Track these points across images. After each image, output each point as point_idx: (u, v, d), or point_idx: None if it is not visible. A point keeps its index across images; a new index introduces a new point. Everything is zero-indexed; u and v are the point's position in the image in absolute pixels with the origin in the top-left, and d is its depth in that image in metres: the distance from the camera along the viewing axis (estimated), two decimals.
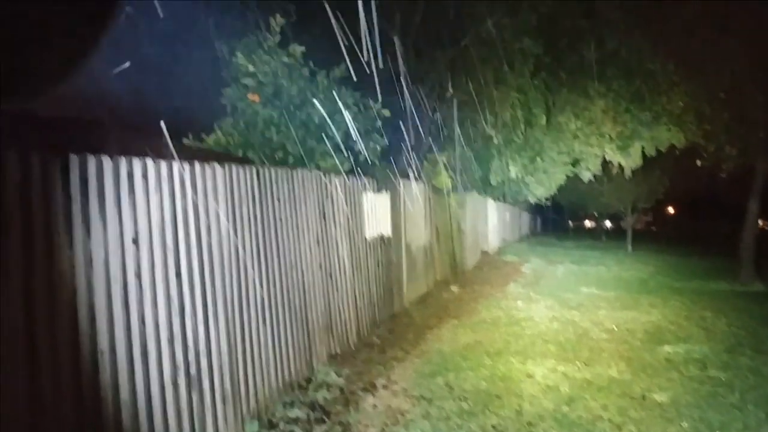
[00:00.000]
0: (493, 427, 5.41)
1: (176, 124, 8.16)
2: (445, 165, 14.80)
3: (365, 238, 8.70)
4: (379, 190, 9.45)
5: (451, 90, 14.50)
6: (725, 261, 19.90)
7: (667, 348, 8.42)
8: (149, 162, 4.19)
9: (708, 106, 14.41)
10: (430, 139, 14.79)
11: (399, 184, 10.58)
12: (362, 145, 9.28)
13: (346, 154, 8.85)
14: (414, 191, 11.66)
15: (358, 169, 9.28)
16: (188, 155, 4.85)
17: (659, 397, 6.26)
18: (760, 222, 26.72)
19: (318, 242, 7.07)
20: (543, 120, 16.03)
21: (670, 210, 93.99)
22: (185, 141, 7.90)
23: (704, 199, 66.93)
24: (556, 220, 66.93)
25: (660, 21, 14.82)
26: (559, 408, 5.89)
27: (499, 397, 6.21)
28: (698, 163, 16.42)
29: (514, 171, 17.61)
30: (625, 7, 14.83)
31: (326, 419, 5.53)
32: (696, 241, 42.18)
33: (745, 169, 16.39)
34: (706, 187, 35.77)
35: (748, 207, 17.07)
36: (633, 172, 19.98)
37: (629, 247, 30.98)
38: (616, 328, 9.79)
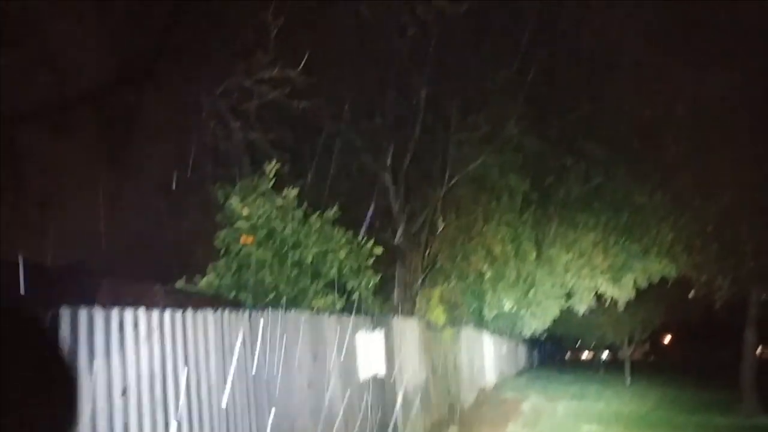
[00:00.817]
0: None
1: (170, 267, 8.19)
2: (439, 299, 14.73)
3: (359, 380, 8.50)
4: (373, 328, 9.35)
5: (442, 226, 14.67)
6: (726, 392, 19.51)
7: None
8: (140, 311, 4.14)
9: (697, 238, 14.59)
10: (424, 274, 14.80)
11: (393, 320, 10.49)
12: (356, 282, 9.28)
13: (339, 293, 8.83)
14: (408, 328, 11.54)
15: (352, 307, 9.23)
16: (181, 299, 4.81)
17: None
18: (760, 349, 26.46)
19: (310, 385, 6.89)
20: (533, 254, 16.13)
21: (668, 339, 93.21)
22: (178, 284, 7.87)
23: (701, 327, 66.49)
24: (553, 352, 66.02)
25: (645, 158, 15.29)
26: None
27: None
28: (691, 294, 16.45)
29: (508, 304, 17.52)
30: (609, 145, 15.32)
31: None
32: (695, 371, 41.46)
33: (739, 299, 16.41)
34: (702, 316, 35.60)
35: (745, 337, 16.96)
36: (627, 303, 19.93)
37: (628, 380, 30.40)
38: None
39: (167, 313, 4.40)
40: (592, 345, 40.88)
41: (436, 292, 14.79)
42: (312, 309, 7.65)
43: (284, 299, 7.72)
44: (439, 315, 14.41)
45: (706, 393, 22.89)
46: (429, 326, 13.70)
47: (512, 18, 14.03)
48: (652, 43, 14.93)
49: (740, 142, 14.66)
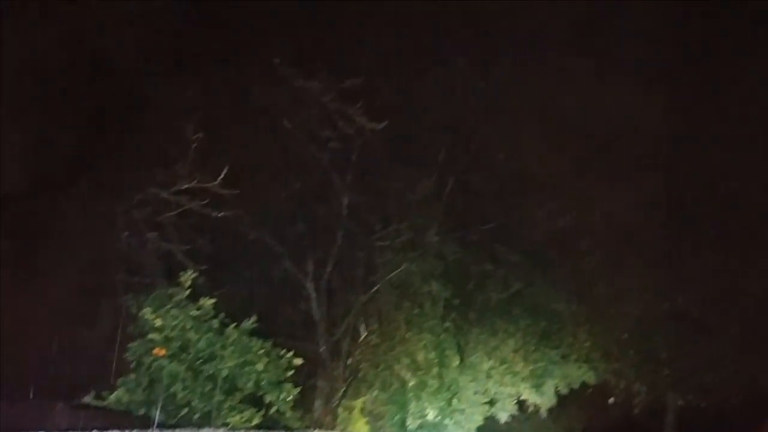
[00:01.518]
0: None
1: (78, 381, 7.78)
2: (360, 411, 14.38)
3: None
4: None
5: (364, 333, 14.52)
6: None
7: None
8: None
9: (614, 345, 14.91)
10: (346, 384, 14.50)
11: None
12: (274, 396, 8.98)
13: (256, 407, 8.52)
14: None
15: (270, 422, 8.90)
16: (87, 417, 4.55)
17: None
18: None
19: None
20: (456, 361, 16.06)
21: None
22: (85, 399, 7.45)
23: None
24: None
25: (562, 265, 15.75)
26: None
27: None
28: (610, 400, 16.62)
29: (431, 414, 17.20)
30: (527, 253, 15.73)
31: None
32: None
33: (658, 404, 16.66)
34: (622, 422, 35.88)
35: None
36: (549, 410, 19.89)
37: None
38: None
39: None
40: None
41: (359, 403, 14.46)
42: (227, 426, 7.34)
43: (197, 416, 7.39)
44: (361, 428, 14.03)
45: None
46: None
47: (431, 133, 14.59)
48: (568, 158, 15.79)
49: (652, 252, 15.40)
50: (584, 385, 18.05)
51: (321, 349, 13.38)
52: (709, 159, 15.78)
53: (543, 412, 19.79)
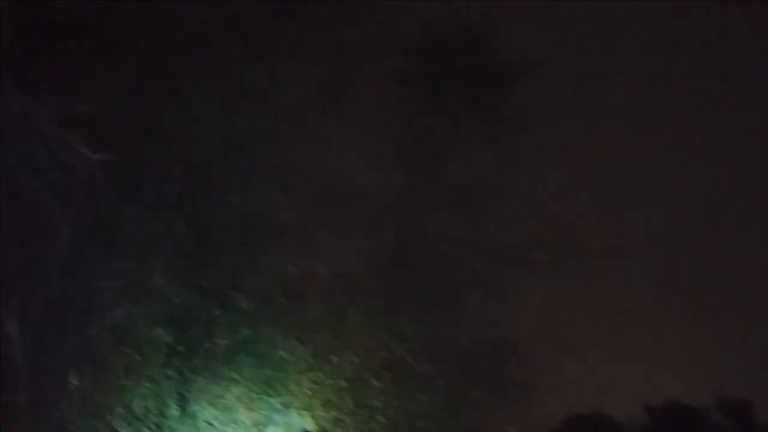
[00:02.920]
0: None
1: None
2: None
3: None
4: None
5: (75, 382, 13.43)
6: None
7: None
8: None
9: (334, 393, 15.30)
10: None
11: None
12: None
13: None
14: None
15: None
16: None
17: None
18: None
19: None
20: (176, 410, 15.45)
21: None
22: None
23: None
24: None
25: (289, 313, 15.96)
26: None
27: None
28: None
29: None
30: (256, 299, 15.73)
31: None
32: None
33: None
34: None
35: None
36: None
37: None
38: None
39: None
40: None
41: None
42: None
43: None
44: None
45: None
46: None
47: (165, 170, 14.18)
48: (303, 208, 16.27)
49: (373, 304, 16.25)
50: None
51: (21, 398, 12.11)
52: (431, 223, 17.33)
53: None
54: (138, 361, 14.68)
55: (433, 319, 16.77)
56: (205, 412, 16.24)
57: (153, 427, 15.42)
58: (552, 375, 17.12)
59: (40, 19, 11.84)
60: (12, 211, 12.23)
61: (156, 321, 14.76)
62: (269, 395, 15.93)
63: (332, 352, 15.24)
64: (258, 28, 15.41)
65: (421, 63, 17.55)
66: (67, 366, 13.63)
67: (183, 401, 16.05)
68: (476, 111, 17.49)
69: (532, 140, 17.36)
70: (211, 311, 15.63)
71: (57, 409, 13.41)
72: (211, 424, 16.57)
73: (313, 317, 16.00)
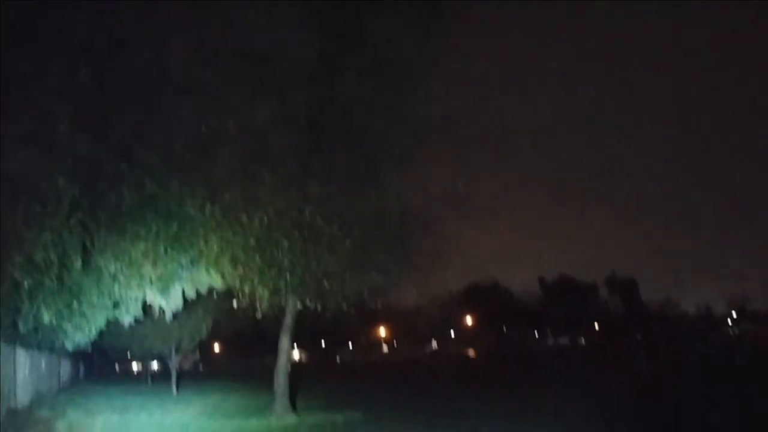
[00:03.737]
0: None
1: None
2: None
3: None
4: None
5: None
6: (266, 395, 20.92)
7: None
8: None
9: (242, 251, 15.42)
10: None
11: None
12: None
13: None
14: None
15: None
16: None
17: None
18: (297, 354, 28.95)
19: None
20: (79, 263, 15.23)
21: (217, 348, 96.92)
22: None
23: (248, 337, 70.86)
24: (101, 365, 63.60)
25: (198, 170, 15.71)
26: None
27: None
28: (235, 304, 17.29)
29: (47, 317, 16.17)
30: (165, 155, 15.37)
31: None
32: (241, 376, 43.83)
33: (279, 308, 17.78)
34: (248, 326, 37.76)
35: (280, 344, 18.47)
36: (175, 313, 20.08)
37: (174, 390, 30.67)
38: None
39: None
40: (141, 356, 40.26)
41: None
42: None
43: None
44: None
45: (248, 398, 24.30)
46: None
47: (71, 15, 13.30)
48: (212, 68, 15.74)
49: (286, 166, 16.18)
50: (212, 289, 18.56)
51: None
52: (348, 90, 17.25)
53: (168, 316, 19.95)
54: (39, 212, 14.24)
55: (345, 185, 16.88)
56: (110, 265, 16.11)
57: (55, 278, 15.21)
58: (455, 245, 17.75)
59: None
60: None
61: (59, 172, 14.23)
62: (176, 251, 15.91)
63: (242, 210, 15.20)
64: None
65: None
66: None
67: (86, 254, 15.82)
68: None
69: (458, 21, 17.22)
70: (117, 165, 15.19)
71: None
72: (115, 278, 16.49)
73: (223, 176, 15.80)
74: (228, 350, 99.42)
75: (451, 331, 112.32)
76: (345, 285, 16.75)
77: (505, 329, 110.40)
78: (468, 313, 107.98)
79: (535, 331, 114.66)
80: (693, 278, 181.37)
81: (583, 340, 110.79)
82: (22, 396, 21.35)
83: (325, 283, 16.42)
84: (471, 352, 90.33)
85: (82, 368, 53.26)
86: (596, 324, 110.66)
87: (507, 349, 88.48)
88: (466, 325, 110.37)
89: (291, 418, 17.26)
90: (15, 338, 18.89)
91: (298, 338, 18.32)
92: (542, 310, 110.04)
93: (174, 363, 33.09)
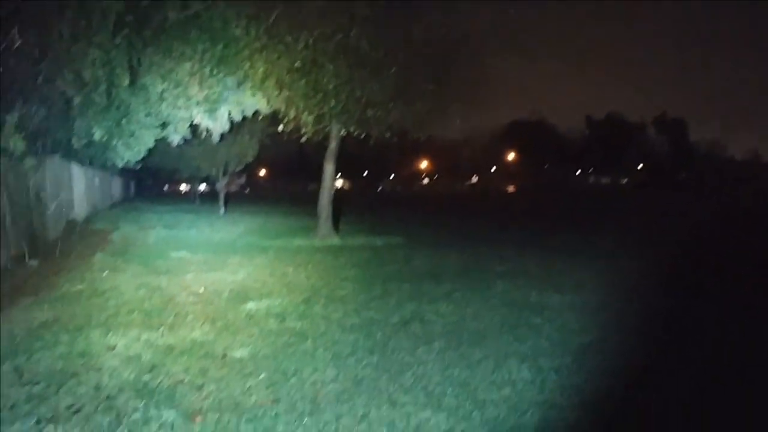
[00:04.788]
0: (68, 407, 5.03)
1: None
2: (16, 126, 13.27)
3: None
4: None
5: (18, 41, 12.97)
6: (309, 219, 21.62)
7: (250, 305, 8.82)
8: None
9: (287, 74, 15.25)
10: None
11: None
12: None
13: None
14: None
15: None
16: None
17: (239, 353, 6.50)
18: (340, 182, 29.59)
19: None
20: (126, 80, 15.29)
21: (263, 173, 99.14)
22: None
23: (294, 162, 72.03)
24: (150, 185, 65.80)
25: None
26: (140, 377, 5.74)
27: (76, 375, 5.81)
28: (280, 128, 17.37)
29: (98, 134, 16.53)
30: None
31: None
32: (285, 202, 45.11)
33: (323, 135, 17.88)
34: (294, 151, 38.28)
35: (324, 169, 18.73)
36: (222, 135, 20.37)
37: (222, 210, 31.78)
38: (203, 290, 9.95)
39: None
40: (190, 177, 41.41)
41: (14, 117, 13.30)
42: None
43: None
44: (16, 142, 13.05)
45: (292, 221, 25.08)
46: (5, 154, 12.38)
47: None
48: None
49: None
50: (257, 113, 18.64)
51: None
52: None
53: (215, 138, 20.25)
54: (85, 27, 14.13)
55: (393, 11, 16.26)
56: (157, 85, 16.18)
57: (104, 95, 15.38)
58: (503, 79, 17.34)
59: None
60: None
61: None
62: (222, 73, 15.83)
63: (287, 32, 14.86)
64: None
65: None
66: (12, 28, 13.05)
67: (134, 73, 15.85)
68: None
69: None
70: None
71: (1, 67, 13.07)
72: (162, 98, 16.61)
73: None
74: (273, 176, 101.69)
75: (493, 167, 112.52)
76: (389, 113, 16.62)
77: (547, 167, 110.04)
78: (510, 149, 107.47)
79: (578, 170, 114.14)
80: (742, 123, 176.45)
81: (625, 181, 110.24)
82: (79, 210, 22.32)
83: (369, 111, 16.32)
84: (511, 188, 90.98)
85: (132, 187, 55.22)
86: (641, 165, 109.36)
87: (547, 186, 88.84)
88: (508, 160, 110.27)
89: (334, 240, 17.86)
90: (70, 154, 19.47)
91: (341, 168, 18.50)
92: (586, 148, 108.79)
93: (221, 185, 34.04)
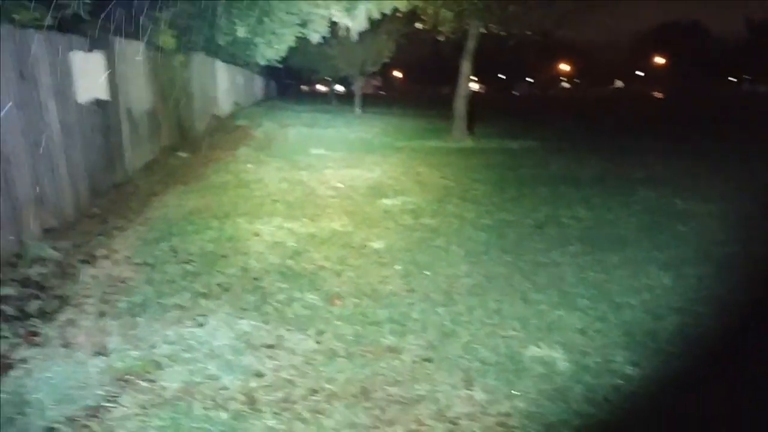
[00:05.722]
0: (219, 285, 5.45)
1: None
2: (167, 23, 13.84)
3: (77, 102, 7.97)
4: (91, 49, 8.61)
5: None
6: (443, 122, 21.50)
7: (386, 201, 9.03)
8: None
9: None
10: None
11: (115, 43, 9.73)
12: None
13: (48, 8, 7.89)
14: (133, 51, 10.84)
15: (66, 25, 8.36)
16: None
17: (376, 245, 6.73)
18: (476, 86, 29.10)
19: (18, 106, 6.32)
20: None
21: (398, 75, 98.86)
22: None
23: (429, 64, 71.30)
24: (289, 85, 67.29)
25: None
26: (284, 262, 6.09)
27: (225, 257, 6.25)
28: (418, 25, 17.15)
29: (241, 31, 16.98)
30: None
31: (41, 294, 5.17)
32: (420, 104, 44.96)
33: (462, 33, 17.50)
34: (430, 53, 37.84)
35: (461, 69, 18.40)
36: (360, 35, 20.36)
37: (358, 110, 32.18)
38: (341, 186, 10.25)
39: None
40: (326, 77, 41.99)
41: (165, 15, 13.85)
42: (13, 22, 6.78)
43: None
44: (168, 40, 13.64)
45: (426, 122, 25.08)
46: (157, 51, 12.99)
47: None
48: None
49: None
50: (396, 11, 18.42)
51: None
52: None
53: (354, 36, 20.27)
54: None
55: None
56: None
57: None
58: None
59: None
60: None
61: None
62: None
63: None
64: None
65: None
66: None
67: None
68: None
69: None
70: None
71: None
72: None
73: None
74: (408, 79, 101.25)
75: (639, 72, 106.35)
76: (530, 10, 15.98)
77: (699, 73, 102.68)
78: (659, 53, 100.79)
79: (734, 78, 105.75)
80: None
81: None
82: (223, 106, 23.27)
83: (510, 8, 15.76)
84: (658, 94, 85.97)
85: (272, 86, 56.71)
86: None
87: (697, 93, 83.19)
88: (656, 65, 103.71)
89: (468, 142, 17.73)
90: (215, 51, 20.15)
91: (476, 72, 18.04)
92: (744, 53, 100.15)
93: (357, 86, 34.33)
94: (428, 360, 4.12)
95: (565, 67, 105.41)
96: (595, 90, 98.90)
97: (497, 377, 3.91)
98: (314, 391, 3.71)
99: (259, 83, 44.04)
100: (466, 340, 4.42)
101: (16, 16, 7.22)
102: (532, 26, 16.75)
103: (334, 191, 9.80)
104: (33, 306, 4.96)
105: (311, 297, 5.19)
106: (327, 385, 3.78)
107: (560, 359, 4.16)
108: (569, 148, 16.58)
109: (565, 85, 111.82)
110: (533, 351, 4.27)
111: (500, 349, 4.30)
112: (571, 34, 18.39)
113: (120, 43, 10.02)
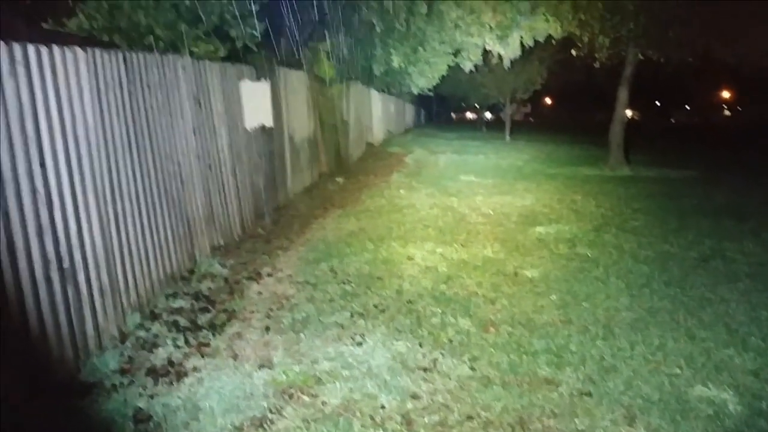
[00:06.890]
0: (375, 306, 5.59)
1: (33, 6, 7.51)
2: (327, 54, 14.48)
3: (245, 128, 8.49)
4: (258, 78, 9.16)
5: None
6: (597, 149, 20.96)
7: (539, 229, 8.89)
8: (1, 44, 3.82)
9: None
10: (311, 26, 14.37)
11: (279, 72, 10.30)
12: (239, 31, 8.94)
13: (221, 40, 8.51)
14: (296, 80, 11.41)
15: (236, 56, 8.96)
16: (47, 39, 4.47)
17: (530, 273, 6.63)
18: (630, 112, 28.14)
19: (195, 132, 6.84)
20: (424, 8, 15.85)
21: (548, 101, 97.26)
22: (44, 25, 7.30)
23: (580, 90, 69.67)
24: (439, 112, 68.08)
25: None
26: (437, 286, 6.15)
27: (380, 279, 6.40)
28: (573, 52, 16.87)
29: (396, 61, 17.46)
30: None
31: (211, 308, 5.54)
32: (571, 131, 44.00)
33: (617, 60, 17.02)
34: (582, 78, 37.03)
35: (618, 95, 17.85)
36: (512, 62, 20.32)
37: (507, 137, 31.97)
38: (492, 212, 10.21)
39: (31, 48, 4.10)
40: (476, 105, 42.11)
41: (325, 46, 14.50)
42: (192, 55, 7.35)
43: (161, 44, 7.35)
44: (327, 70, 14.25)
45: (579, 149, 24.49)
46: (317, 80, 13.60)
47: None
48: None
49: None
50: (550, 38, 18.19)
51: None
52: None
53: (506, 64, 20.23)
54: None
55: None
56: (452, 12, 16.52)
57: (404, 23, 16.10)
58: None
59: None
60: None
61: None
62: None
63: None
64: None
65: None
66: None
67: (430, 1, 16.34)
68: None
69: None
70: None
71: None
72: (456, 25, 16.95)
73: None
74: (558, 105, 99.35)
75: None
76: (691, 32, 15.23)
77: None
78: None
79: None
80: None
81: None
82: (377, 133, 23.92)
83: (670, 32, 15.12)
84: None
85: (423, 113, 57.60)
86: None
87: None
88: None
89: (625, 170, 17.12)
90: (370, 80, 20.80)
91: (632, 98, 17.40)
92: None
93: (507, 112, 34.17)
94: (587, 394, 4.01)
95: (727, 93, 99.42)
96: (760, 116, 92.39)
97: (661, 416, 3.74)
98: (470, 417, 3.71)
99: (410, 111, 44.87)
100: (628, 375, 4.26)
101: (195, 49, 7.83)
102: (693, 47, 15.96)
103: (484, 218, 9.78)
104: (204, 318, 5.31)
105: (465, 323, 5.20)
106: (483, 413, 3.77)
107: (731, 401, 3.91)
108: (731, 177, 15.61)
109: (727, 112, 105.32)
110: (700, 391, 4.05)
111: (664, 386, 4.11)
112: (734, 59, 17.22)
113: (284, 73, 10.59)
